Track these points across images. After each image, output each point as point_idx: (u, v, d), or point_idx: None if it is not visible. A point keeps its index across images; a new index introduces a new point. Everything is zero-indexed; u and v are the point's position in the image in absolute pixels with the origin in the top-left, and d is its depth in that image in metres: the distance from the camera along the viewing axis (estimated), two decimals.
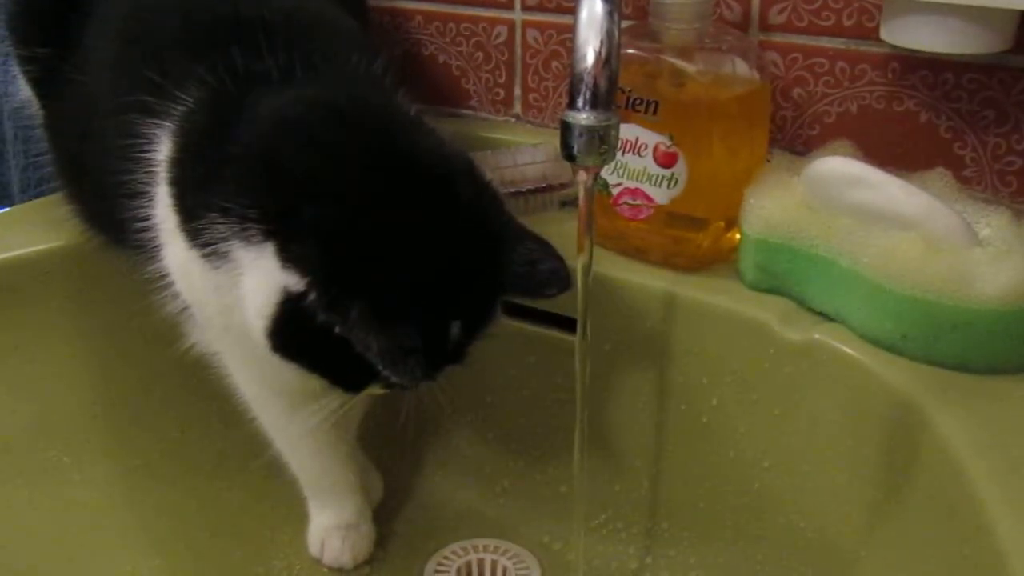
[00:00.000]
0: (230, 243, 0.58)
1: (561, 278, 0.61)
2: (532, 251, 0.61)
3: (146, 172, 0.64)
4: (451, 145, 0.63)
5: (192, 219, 0.60)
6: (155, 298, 0.68)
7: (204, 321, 0.67)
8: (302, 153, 0.58)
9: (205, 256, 0.60)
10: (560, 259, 0.61)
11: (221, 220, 0.58)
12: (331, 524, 0.76)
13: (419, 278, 0.56)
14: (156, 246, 0.65)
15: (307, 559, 0.76)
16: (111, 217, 0.69)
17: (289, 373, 0.60)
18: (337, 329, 0.55)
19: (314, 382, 0.61)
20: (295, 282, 0.56)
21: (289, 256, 0.56)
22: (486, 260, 0.59)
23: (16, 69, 0.80)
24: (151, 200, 0.64)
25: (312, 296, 0.55)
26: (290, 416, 0.69)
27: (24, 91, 0.80)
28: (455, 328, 0.58)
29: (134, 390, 0.81)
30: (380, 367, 0.55)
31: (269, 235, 0.57)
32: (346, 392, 0.61)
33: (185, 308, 0.68)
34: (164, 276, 0.66)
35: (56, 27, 0.75)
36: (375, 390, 0.61)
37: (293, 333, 0.58)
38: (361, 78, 0.66)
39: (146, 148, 0.64)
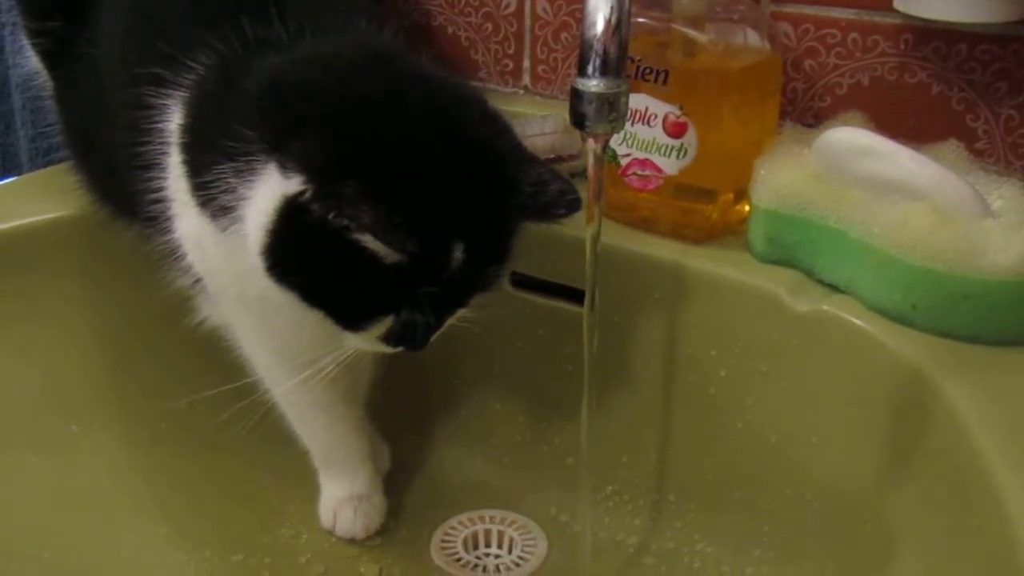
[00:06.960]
0: (237, 192, 0.58)
1: (571, 199, 0.58)
2: (542, 173, 0.59)
3: (159, 143, 0.64)
4: (466, 83, 0.62)
5: (200, 174, 0.60)
6: (166, 270, 0.68)
7: (216, 292, 0.67)
8: (302, 80, 0.58)
9: (215, 217, 0.60)
10: (570, 183, 0.59)
11: (226, 165, 0.58)
12: (343, 496, 0.76)
13: (416, 172, 0.55)
14: (168, 218, 0.65)
15: (315, 528, 0.77)
16: (121, 190, 0.69)
17: (301, 340, 0.59)
18: (331, 215, 0.53)
19: (323, 345, 0.60)
20: (294, 185, 0.55)
21: (287, 160, 0.55)
22: (492, 176, 0.58)
23: (24, 40, 0.80)
24: (164, 171, 0.64)
25: (308, 191, 0.54)
26: (301, 388, 0.69)
27: (32, 61, 0.80)
28: (458, 250, 0.56)
29: (142, 359, 0.81)
30: (371, 238, 0.53)
31: (271, 155, 0.56)
32: (347, 328, 0.59)
33: (197, 281, 0.68)
34: (176, 248, 0.66)
35: (64, 0, 0.75)
36: (381, 347, 0.60)
37: (290, 242, 0.56)
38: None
39: (158, 119, 0.63)
